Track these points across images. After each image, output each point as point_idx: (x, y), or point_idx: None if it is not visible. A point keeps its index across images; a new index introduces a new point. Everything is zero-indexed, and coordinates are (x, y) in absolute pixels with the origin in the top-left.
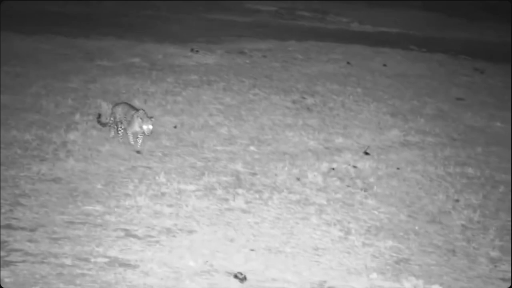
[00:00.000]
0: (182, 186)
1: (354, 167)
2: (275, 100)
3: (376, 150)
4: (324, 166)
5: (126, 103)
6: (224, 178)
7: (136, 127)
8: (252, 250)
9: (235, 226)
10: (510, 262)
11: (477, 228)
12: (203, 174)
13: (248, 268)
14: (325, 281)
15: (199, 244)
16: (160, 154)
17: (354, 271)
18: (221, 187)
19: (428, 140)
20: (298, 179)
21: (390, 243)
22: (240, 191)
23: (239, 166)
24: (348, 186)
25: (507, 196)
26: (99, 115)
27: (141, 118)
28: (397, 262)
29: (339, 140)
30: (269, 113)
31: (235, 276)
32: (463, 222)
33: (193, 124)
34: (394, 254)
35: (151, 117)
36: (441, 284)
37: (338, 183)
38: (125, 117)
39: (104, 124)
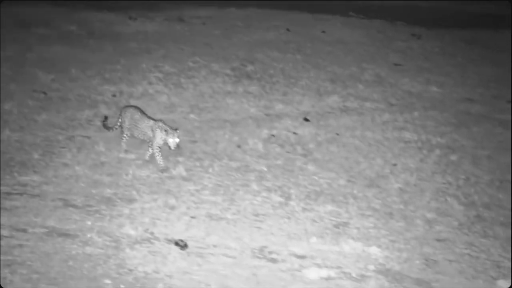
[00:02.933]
0: (122, 155)
1: (294, 133)
2: (215, 67)
3: (315, 116)
4: (264, 133)
5: (135, 107)
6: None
7: (159, 140)
8: (193, 217)
9: (176, 194)
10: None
11: (414, 191)
12: (142, 142)
13: (189, 235)
14: (265, 246)
15: (139, 212)
16: (98, 123)
17: (294, 236)
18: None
19: (366, 106)
20: (238, 146)
21: (329, 207)
22: (180, 159)
23: (180, 134)
24: (288, 152)
25: (442, 159)
26: (105, 118)
27: (165, 131)
28: (336, 226)
29: (279, 107)
30: (209, 80)
31: (176, 244)
32: (400, 186)
33: (132, 92)
34: (333, 218)
35: (176, 129)
36: (379, 246)
37: (278, 149)
38: (135, 125)
39: (109, 128)
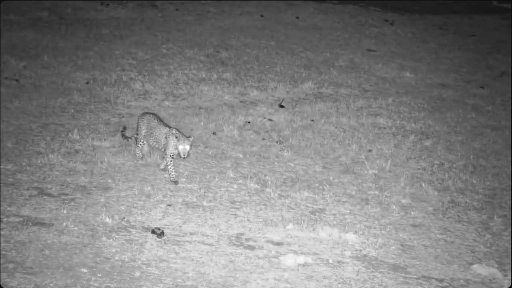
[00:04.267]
0: (96, 143)
1: (270, 120)
2: (189, 54)
3: (290, 102)
4: (240, 119)
5: (153, 114)
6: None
7: (172, 149)
8: (169, 205)
9: (152, 181)
10: None
11: (389, 177)
12: (117, 130)
13: (165, 223)
14: (242, 234)
15: (115, 200)
16: (72, 110)
17: (271, 223)
18: (121, 137)
19: (341, 92)
20: (214, 133)
21: (305, 194)
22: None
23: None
24: (263, 139)
25: (417, 145)
26: (124, 128)
27: (176, 137)
28: (312, 212)
29: (254, 94)
30: (183, 67)
31: (153, 232)
32: (375, 172)
33: (106, 79)
34: (309, 205)
35: (189, 137)
36: (355, 232)
37: (253, 136)
38: (151, 132)
39: (127, 138)
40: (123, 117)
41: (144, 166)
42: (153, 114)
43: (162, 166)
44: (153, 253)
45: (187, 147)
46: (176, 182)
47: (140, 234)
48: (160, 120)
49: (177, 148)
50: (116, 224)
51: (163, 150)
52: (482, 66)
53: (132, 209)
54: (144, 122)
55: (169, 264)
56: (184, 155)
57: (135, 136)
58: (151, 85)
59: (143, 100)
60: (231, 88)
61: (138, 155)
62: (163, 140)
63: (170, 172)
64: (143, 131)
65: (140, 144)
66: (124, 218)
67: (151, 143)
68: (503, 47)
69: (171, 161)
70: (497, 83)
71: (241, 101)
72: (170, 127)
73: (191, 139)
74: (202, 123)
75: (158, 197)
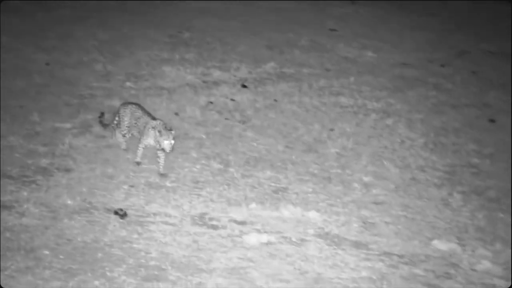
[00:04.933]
0: (58, 125)
1: (232, 100)
2: (151, 35)
3: (253, 82)
4: (202, 100)
5: (136, 104)
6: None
7: (150, 141)
8: (132, 186)
9: (114, 163)
10: None
11: (351, 155)
12: (78, 111)
13: (128, 204)
14: (205, 213)
15: (77, 182)
16: (32, 92)
17: (234, 202)
18: (98, 124)
19: (303, 72)
20: (176, 114)
21: (268, 173)
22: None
23: (116, 103)
24: (226, 119)
25: (378, 123)
26: (102, 114)
27: (158, 131)
28: (275, 192)
29: (217, 74)
30: (145, 48)
31: (115, 213)
32: (337, 150)
33: (66, 61)
34: (272, 184)
35: (170, 130)
36: (317, 211)
37: (216, 116)
38: (135, 123)
39: (106, 125)
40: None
41: (106, 147)
42: (136, 104)
43: (138, 159)
44: (115, 234)
45: (172, 142)
46: (138, 164)
47: (103, 215)
48: (144, 110)
49: (160, 143)
50: (78, 206)
51: (141, 140)
52: (443, 45)
53: (94, 190)
54: (127, 112)
55: (132, 245)
56: (170, 149)
57: (114, 124)
58: (112, 66)
59: (105, 81)
60: (193, 68)
61: (122, 147)
62: (142, 130)
63: (137, 154)
64: (126, 122)
65: (126, 135)
66: (86, 199)
67: (135, 135)
68: (463, 26)
69: (142, 148)
70: (457, 62)
71: (203, 82)
72: (153, 118)
73: (173, 132)
74: (164, 104)
75: (120, 178)
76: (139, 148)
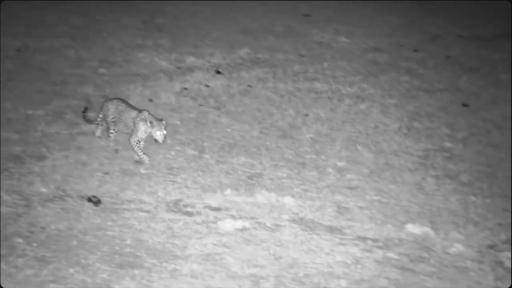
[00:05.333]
0: (30, 112)
1: (207, 86)
2: (124, 20)
3: (227, 68)
4: (177, 86)
5: (120, 99)
6: (74, 102)
7: (141, 134)
8: (106, 173)
9: (88, 150)
10: None
11: (325, 140)
12: (51, 98)
13: (102, 192)
14: (180, 200)
15: (50, 169)
16: (4, 79)
17: (208, 188)
18: (71, 111)
19: (277, 57)
20: (150, 100)
21: (243, 159)
22: (91, 114)
23: (89, 89)
24: (201, 105)
25: (352, 108)
26: (86, 109)
27: (150, 122)
28: (250, 177)
29: (191, 60)
30: (118, 34)
31: (89, 200)
32: (312, 136)
33: (38, 47)
34: (247, 170)
35: (161, 119)
36: (292, 196)
37: (191, 102)
38: (119, 117)
39: (90, 121)
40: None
41: (80, 134)
42: (120, 98)
43: (98, 134)
44: (90, 221)
45: (164, 132)
46: (142, 163)
47: (77, 202)
48: (128, 104)
49: (152, 135)
50: (51, 193)
51: (132, 136)
52: (415, 29)
53: (67, 178)
54: (110, 107)
55: (106, 232)
56: (162, 140)
57: (98, 120)
58: (85, 52)
59: (77, 67)
60: (167, 54)
61: (111, 143)
62: (131, 124)
63: (137, 153)
64: (110, 116)
65: (112, 132)
66: (59, 187)
67: (120, 128)
68: (435, 11)
69: (137, 144)
70: (430, 46)
71: (177, 68)
72: (139, 111)
73: (164, 122)
74: (138, 90)
75: (94, 165)
76: (133, 144)
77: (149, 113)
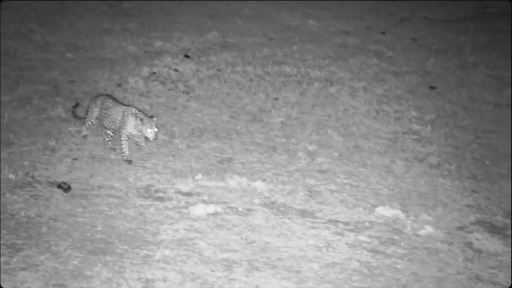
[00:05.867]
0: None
1: (175, 70)
2: (90, 4)
3: (196, 52)
4: (145, 70)
5: (107, 95)
6: (41, 87)
7: (130, 129)
8: (75, 159)
9: (56, 136)
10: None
11: (295, 124)
12: (17, 84)
13: (72, 178)
14: (151, 185)
15: (18, 156)
16: None
17: (179, 174)
18: (38, 96)
19: (246, 41)
20: (119, 85)
21: (213, 144)
22: (58, 99)
23: (56, 74)
24: (170, 90)
25: (322, 92)
26: (76, 105)
27: (140, 119)
28: (221, 162)
29: (159, 44)
30: (84, 18)
31: (59, 186)
32: (282, 119)
33: (3, 31)
34: (218, 154)
35: (151, 116)
36: (263, 180)
37: (160, 87)
38: (106, 112)
39: (79, 118)
40: (83, 97)
41: (48, 120)
42: (107, 95)
43: (84, 132)
44: (60, 208)
45: (155, 129)
46: (130, 162)
47: (46, 189)
48: (115, 100)
49: (143, 131)
50: (20, 180)
51: (117, 130)
52: (383, 12)
53: (36, 164)
54: (97, 103)
55: (77, 219)
56: (153, 138)
57: (85, 118)
58: (51, 36)
59: (44, 52)
60: (135, 38)
61: (83, 133)
62: (119, 119)
63: (124, 151)
64: (96, 113)
65: (89, 124)
66: (28, 173)
67: (106, 125)
68: None
69: (126, 140)
70: (397, 29)
71: (145, 52)
72: (127, 106)
73: (154, 119)
74: (106, 75)
75: (63, 151)
76: (123, 142)
77: (137, 109)
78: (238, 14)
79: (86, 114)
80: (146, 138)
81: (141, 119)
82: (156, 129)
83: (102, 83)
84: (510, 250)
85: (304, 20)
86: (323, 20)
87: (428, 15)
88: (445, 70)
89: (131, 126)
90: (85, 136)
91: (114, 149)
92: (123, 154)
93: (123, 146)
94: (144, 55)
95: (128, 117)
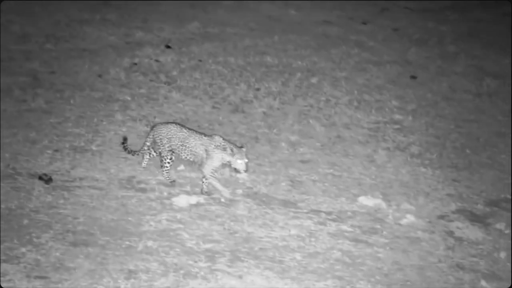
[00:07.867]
0: None
1: (157, 61)
2: None
3: (177, 43)
4: (126, 61)
5: (176, 123)
6: (21, 78)
7: (216, 162)
8: (56, 150)
9: (37, 127)
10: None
11: (277, 114)
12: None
13: (53, 169)
14: (133, 177)
15: None
16: None
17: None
18: (18, 87)
19: (228, 31)
20: (99, 76)
21: None
22: (39, 91)
23: (36, 65)
24: (151, 80)
25: (303, 82)
26: (125, 140)
27: (230, 150)
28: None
29: (140, 34)
30: (64, 8)
31: (40, 178)
32: (264, 110)
33: None
34: None
35: (241, 146)
36: (246, 170)
37: (141, 78)
38: (182, 144)
39: (134, 152)
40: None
41: (28, 111)
42: (176, 123)
43: (144, 164)
44: (41, 199)
45: (246, 160)
46: (207, 193)
47: (27, 181)
48: (189, 128)
49: (233, 163)
50: (1, 172)
51: (199, 164)
52: (364, 2)
53: (17, 155)
54: (163, 135)
55: (58, 210)
56: (244, 170)
57: (144, 148)
58: (31, 27)
59: (23, 43)
60: (115, 29)
61: (143, 165)
62: (201, 152)
63: (220, 189)
64: (166, 146)
65: (167, 165)
66: (9, 165)
67: (183, 157)
68: None
69: (212, 175)
70: (378, 19)
71: (126, 42)
72: (209, 136)
73: (244, 149)
74: (86, 66)
75: (44, 142)
76: (208, 177)
77: (223, 138)
78: (219, 5)
79: (147, 144)
80: (236, 170)
81: (231, 150)
82: (246, 160)
83: (83, 74)
84: (490, 238)
85: (285, 10)
86: (303, 9)
87: (408, 5)
88: (426, 60)
89: (217, 159)
90: (145, 167)
91: (175, 181)
92: (221, 193)
93: (214, 183)
94: (125, 46)
95: (214, 151)
